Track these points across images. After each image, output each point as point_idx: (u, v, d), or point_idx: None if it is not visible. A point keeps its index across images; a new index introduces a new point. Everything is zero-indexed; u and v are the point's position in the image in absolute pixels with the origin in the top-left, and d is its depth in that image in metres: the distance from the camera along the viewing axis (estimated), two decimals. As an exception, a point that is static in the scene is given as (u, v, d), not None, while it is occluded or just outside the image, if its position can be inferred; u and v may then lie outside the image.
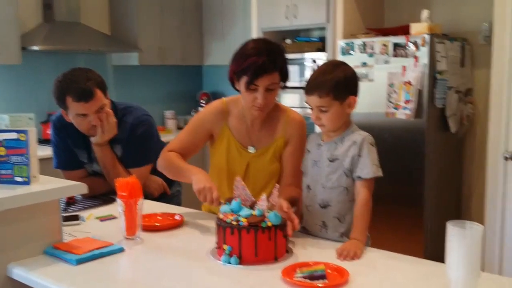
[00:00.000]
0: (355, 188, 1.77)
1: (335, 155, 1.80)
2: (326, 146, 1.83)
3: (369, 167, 1.74)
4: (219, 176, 2.10)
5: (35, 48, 4.13)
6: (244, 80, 1.93)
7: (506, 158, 3.01)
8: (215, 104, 2.15)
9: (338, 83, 1.75)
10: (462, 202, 4.08)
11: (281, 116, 2.09)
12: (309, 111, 1.84)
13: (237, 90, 2.02)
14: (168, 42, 5.18)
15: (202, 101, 5.65)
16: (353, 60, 3.77)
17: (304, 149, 1.96)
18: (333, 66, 1.82)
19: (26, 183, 1.67)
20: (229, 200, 1.72)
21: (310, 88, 1.78)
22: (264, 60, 1.89)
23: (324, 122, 1.79)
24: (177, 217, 2.04)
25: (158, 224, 1.99)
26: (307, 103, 1.83)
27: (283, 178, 2.07)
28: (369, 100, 3.70)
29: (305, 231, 1.89)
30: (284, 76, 1.99)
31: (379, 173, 1.76)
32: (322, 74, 1.78)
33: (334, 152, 1.81)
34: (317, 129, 1.91)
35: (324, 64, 1.88)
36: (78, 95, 2.19)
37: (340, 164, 1.78)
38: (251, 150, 2.09)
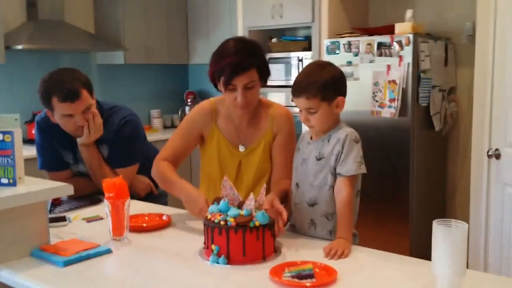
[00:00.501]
0: (336, 186, 1.76)
1: (321, 153, 1.81)
2: (314, 144, 1.84)
3: (349, 164, 1.74)
4: (211, 176, 2.12)
5: (19, 47, 4.08)
6: (222, 80, 1.93)
7: (489, 156, 3.05)
8: (203, 104, 2.15)
9: (325, 84, 1.74)
10: (447, 199, 4.12)
11: (266, 111, 2.10)
12: (296, 109, 1.85)
13: (219, 91, 2.02)
14: (153, 41, 5.16)
15: (188, 99, 5.63)
16: (339, 59, 3.79)
17: (294, 141, 1.98)
18: (320, 67, 1.81)
19: (12, 184, 1.66)
20: (217, 200, 1.72)
21: (298, 90, 1.77)
22: (240, 59, 1.89)
23: (313, 123, 1.79)
24: (164, 218, 2.04)
25: (145, 225, 1.98)
26: (294, 104, 1.83)
27: (273, 171, 2.08)
28: (355, 99, 3.71)
29: (294, 229, 1.90)
30: (263, 74, 1.99)
31: (361, 170, 1.75)
32: (309, 76, 1.78)
33: (321, 150, 1.81)
34: (305, 127, 1.92)
35: (310, 65, 1.87)
36: (64, 95, 2.18)
37: (326, 162, 1.79)
38: (241, 148, 2.09)
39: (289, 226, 1.92)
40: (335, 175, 1.78)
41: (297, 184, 1.88)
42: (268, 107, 2.12)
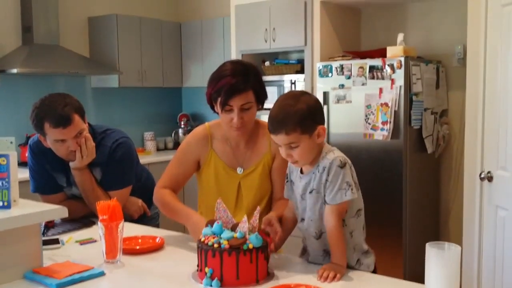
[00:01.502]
0: (324, 214, 1.72)
1: (312, 186, 1.75)
2: (306, 178, 1.78)
3: (334, 192, 1.68)
4: (209, 199, 2.08)
5: (14, 71, 4.10)
6: (219, 101, 1.94)
7: (481, 178, 3.07)
8: (198, 130, 2.16)
9: (303, 116, 1.66)
10: (440, 222, 4.13)
11: (264, 132, 2.09)
12: None
13: (216, 112, 2.04)
14: (147, 64, 5.21)
15: (181, 122, 5.66)
16: (331, 82, 3.83)
17: None
18: (294, 98, 1.71)
19: (7, 207, 1.65)
20: (210, 223, 1.72)
21: (275, 126, 1.69)
22: (236, 80, 1.91)
23: (296, 158, 1.71)
24: (157, 240, 2.03)
25: (138, 247, 1.98)
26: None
27: (274, 193, 2.08)
28: (347, 121, 3.77)
29: (305, 251, 1.88)
30: (260, 95, 2.00)
31: (347, 197, 1.67)
32: (284, 109, 1.69)
33: (311, 182, 1.76)
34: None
35: (283, 97, 1.77)
36: (56, 121, 2.18)
37: (318, 194, 1.73)
38: (239, 171, 2.09)
39: (304, 260, 1.87)
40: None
41: (302, 219, 1.82)
42: (265, 128, 2.09)
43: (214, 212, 1.95)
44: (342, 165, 1.69)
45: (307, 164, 1.76)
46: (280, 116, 1.69)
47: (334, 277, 1.62)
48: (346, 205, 1.73)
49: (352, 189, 1.68)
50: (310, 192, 1.75)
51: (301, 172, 1.80)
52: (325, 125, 1.76)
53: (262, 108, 2.06)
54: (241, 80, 1.91)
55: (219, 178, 2.09)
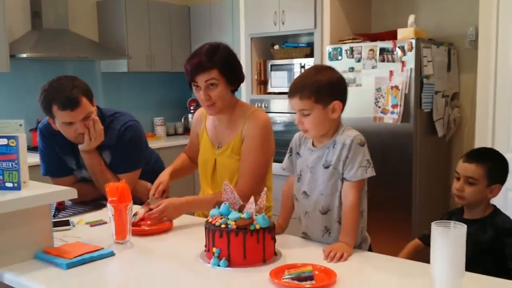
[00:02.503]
0: (343, 190, 1.75)
1: (329, 161, 1.77)
2: (319, 151, 1.80)
3: (355, 169, 1.72)
4: (201, 171, 2.30)
5: (24, 55, 4.13)
6: (188, 80, 2.11)
7: (492, 161, 3.05)
8: (198, 111, 2.38)
9: (320, 86, 1.72)
10: (450, 206, 4.11)
11: (243, 115, 2.17)
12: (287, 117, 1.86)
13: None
14: (156, 49, 5.20)
15: (191, 107, 5.66)
16: (341, 65, 3.81)
17: (258, 149, 2.06)
18: (317, 70, 1.81)
19: (17, 188, 1.68)
20: (218, 204, 1.73)
21: (292, 91, 1.77)
22: (201, 59, 2.05)
23: (307, 126, 1.76)
24: (165, 221, 2.05)
25: (147, 228, 2.00)
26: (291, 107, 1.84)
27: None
28: (357, 105, 3.74)
29: (306, 237, 1.89)
30: (227, 75, 2.08)
31: (367, 174, 1.73)
32: (304, 78, 1.78)
33: (327, 158, 1.78)
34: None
35: (309, 68, 1.88)
36: (64, 103, 2.20)
37: (335, 169, 1.76)
38: (217, 147, 2.22)
39: (301, 234, 1.91)
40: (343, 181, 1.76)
41: (304, 193, 1.84)
42: (246, 111, 2.18)
43: (204, 183, 2.22)
44: (363, 144, 1.75)
45: (320, 137, 1.80)
46: (298, 83, 1.77)
47: (340, 257, 1.63)
48: (364, 184, 1.78)
49: (372, 167, 1.74)
50: (326, 167, 1.78)
51: (313, 145, 1.83)
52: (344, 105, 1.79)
53: (235, 90, 2.17)
54: (205, 59, 2.04)
55: (204, 153, 2.27)
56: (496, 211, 1.92)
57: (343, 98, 1.78)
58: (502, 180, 1.92)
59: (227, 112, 2.17)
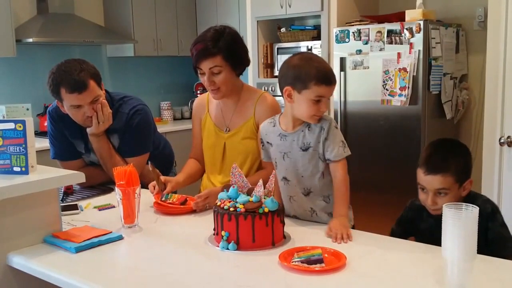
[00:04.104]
0: (331, 170, 1.83)
1: (306, 143, 1.82)
2: (292, 136, 1.85)
3: (336, 149, 1.80)
4: (208, 157, 2.28)
5: (30, 40, 4.12)
6: (193, 66, 2.10)
7: (501, 143, 3.02)
8: (199, 97, 2.37)
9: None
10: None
11: (253, 98, 2.19)
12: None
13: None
14: (163, 33, 5.18)
15: (197, 91, 5.64)
16: (348, 48, 3.77)
17: None
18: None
19: (25, 172, 1.68)
20: (226, 187, 1.73)
21: (332, 78, 1.78)
22: (206, 45, 2.03)
23: (324, 109, 1.80)
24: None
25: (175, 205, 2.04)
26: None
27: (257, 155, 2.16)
28: (364, 88, 3.71)
29: (297, 219, 1.92)
30: (232, 60, 2.07)
31: (345, 153, 1.81)
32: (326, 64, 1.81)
33: (304, 140, 1.83)
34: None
35: (314, 54, 1.89)
36: (72, 86, 2.19)
37: (314, 151, 1.82)
38: (226, 131, 2.21)
39: (291, 217, 1.92)
40: (324, 161, 1.82)
41: (285, 178, 1.89)
42: (255, 94, 2.21)
43: (208, 171, 2.22)
44: (337, 127, 1.84)
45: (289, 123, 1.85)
46: (330, 70, 1.80)
47: (347, 237, 1.66)
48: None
49: (346, 146, 1.83)
50: (305, 150, 1.83)
51: (284, 131, 1.87)
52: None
53: (240, 73, 2.17)
54: (210, 45, 2.03)
55: (210, 138, 2.24)
56: (472, 194, 1.80)
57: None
58: (470, 172, 1.80)
59: (233, 96, 2.18)
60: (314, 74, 1.74)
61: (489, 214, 1.71)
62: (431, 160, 1.78)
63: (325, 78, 1.75)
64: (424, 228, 1.86)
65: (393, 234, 1.90)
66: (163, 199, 2.06)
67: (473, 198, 1.76)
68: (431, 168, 1.75)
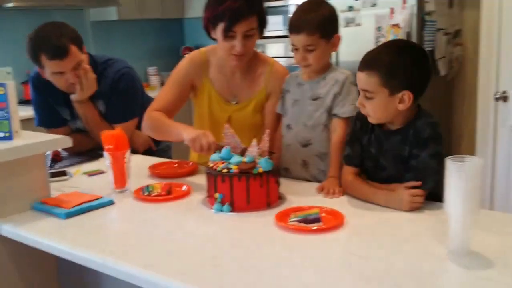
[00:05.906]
0: (332, 125, 1.80)
1: (317, 93, 1.82)
2: (308, 85, 1.84)
3: (347, 106, 1.77)
4: (199, 127, 2.03)
5: (10, 5, 3.97)
6: (220, 27, 1.83)
7: (496, 99, 2.99)
8: (194, 55, 2.09)
9: (325, 21, 1.74)
10: (453, 145, 4.07)
11: (264, 68, 2.02)
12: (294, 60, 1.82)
13: (214, 39, 1.93)
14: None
15: (185, 55, 5.53)
16: (339, 4, 3.63)
17: None
18: (316, 4, 1.79)
19: (8, 138, 1.61)
20: (219, 148, 1.67)
21: (298, 26, 1.75)
22: (240, 4, 1.78)
23: (310, 61, 1.77)
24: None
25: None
26: (292, 45, 1.79)
27: (264, 129, 2.02)
28: (357, 46, 3.60)
29: (287, 172, 1.89)
30: (262, 22, 1.90)
31: (354, 113, 1.74)
32: (307, 12, 1.76)
33: (316, 90, 1.82)
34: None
35: (306, 3, 1.83)
36: (52, 53, 2.09)
37: (322, 102, 1.81)
38: (233, 101, 2.04)
39: (282, 171, 1.88)
40: (330, 114, 1.80)
41: (288, 126, 1.89)
42: (266, 64, 2.03)
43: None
44: (355, 84, 1.70)
45: (315, 71, 1.82)
46: (303, 18, 1.74)
47: (334, 193, 1.65)
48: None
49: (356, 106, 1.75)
50: (314, 99, 1.81)
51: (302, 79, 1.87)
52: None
53: (262, 37, 1.96)
54: (244, 4, 1.80)
55: (211, 109, 2.04)
56: (421, 114, 1.61)
57: (339, 31, 1.83)
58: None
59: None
60: (289, 23, 1.78)
61: (422, 140, 1.51)
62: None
63: (291, 26, 1.76)
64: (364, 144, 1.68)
65: (348, 160, 1.70)
66: (145, 194, 1.74)
67: (417, 117, 1.58)
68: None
